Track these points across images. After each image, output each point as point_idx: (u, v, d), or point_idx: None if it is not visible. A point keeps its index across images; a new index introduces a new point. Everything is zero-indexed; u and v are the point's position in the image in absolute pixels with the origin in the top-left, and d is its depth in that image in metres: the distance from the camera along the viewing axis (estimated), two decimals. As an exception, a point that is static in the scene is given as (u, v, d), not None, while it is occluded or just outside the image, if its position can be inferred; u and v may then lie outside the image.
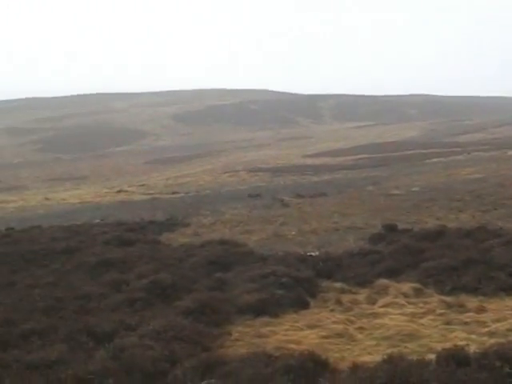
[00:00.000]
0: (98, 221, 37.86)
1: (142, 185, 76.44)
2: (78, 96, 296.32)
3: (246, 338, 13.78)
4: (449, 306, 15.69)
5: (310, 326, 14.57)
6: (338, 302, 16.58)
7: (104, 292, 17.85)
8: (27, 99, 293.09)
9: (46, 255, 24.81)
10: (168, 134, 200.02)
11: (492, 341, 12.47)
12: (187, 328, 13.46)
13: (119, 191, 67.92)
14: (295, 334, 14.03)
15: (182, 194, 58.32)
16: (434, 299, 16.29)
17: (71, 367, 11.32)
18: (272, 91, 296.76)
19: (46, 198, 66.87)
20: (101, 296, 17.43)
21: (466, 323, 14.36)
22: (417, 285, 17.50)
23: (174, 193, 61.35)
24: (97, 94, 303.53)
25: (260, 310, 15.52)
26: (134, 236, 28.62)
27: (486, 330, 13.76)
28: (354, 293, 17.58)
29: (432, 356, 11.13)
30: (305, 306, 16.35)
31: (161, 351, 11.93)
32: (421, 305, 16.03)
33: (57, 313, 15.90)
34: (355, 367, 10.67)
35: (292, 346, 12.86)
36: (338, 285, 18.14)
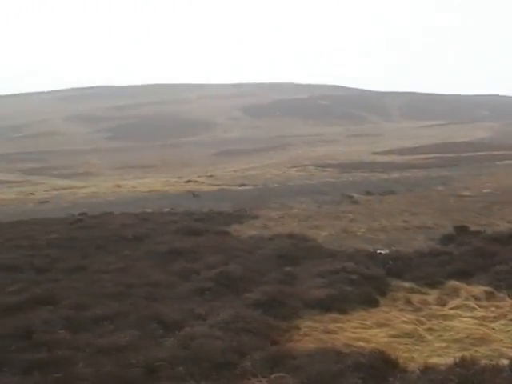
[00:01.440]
0: (167, 210, 38.27)
1: (210, 176, 77.02)
2: (151, 86, 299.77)
3: (314, 333, 13.69)
4: (522, 311, 15.32)
5: (379, 325, 14.40)
6: (408, 302, 16.36)
7: (173, 280, 17.99)
8: (101, 87, 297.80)
9: (116, 241, 25.17)
10: (236, 126, 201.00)
11: None
12: (256, 320, 13.45)
13: (188, 181, 68.62)
14: (364, 331, 13.87)
15: (250, 187, 58.54)
16: (507, 304, 15.86)
17: (141, 353, 11.45)
18: (342, 87, 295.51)
19: (117, 185, 68.01)
20: (170, 284, 17.58)
21: (540, 329, 13.99)
22: (488, 288, 17.08)
23: (241, 185, 61.69)
24: (168, 84, 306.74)
25: (329, 305, 15.41)
26: (203, 226, 28.80)
27: (561, 337, 13.42)
28: (424, 293, 17.30)
29: (505, 362, 10.91)
30: (374, 304, 16.19)
31: (230, 342, 11.96)
32: (492, 309, 15.63)
33: (127, 299, 16.06)
34: (426, 368, 10.53)
35: (361, 343, 12.71)
36: (408, 284, 17.88)
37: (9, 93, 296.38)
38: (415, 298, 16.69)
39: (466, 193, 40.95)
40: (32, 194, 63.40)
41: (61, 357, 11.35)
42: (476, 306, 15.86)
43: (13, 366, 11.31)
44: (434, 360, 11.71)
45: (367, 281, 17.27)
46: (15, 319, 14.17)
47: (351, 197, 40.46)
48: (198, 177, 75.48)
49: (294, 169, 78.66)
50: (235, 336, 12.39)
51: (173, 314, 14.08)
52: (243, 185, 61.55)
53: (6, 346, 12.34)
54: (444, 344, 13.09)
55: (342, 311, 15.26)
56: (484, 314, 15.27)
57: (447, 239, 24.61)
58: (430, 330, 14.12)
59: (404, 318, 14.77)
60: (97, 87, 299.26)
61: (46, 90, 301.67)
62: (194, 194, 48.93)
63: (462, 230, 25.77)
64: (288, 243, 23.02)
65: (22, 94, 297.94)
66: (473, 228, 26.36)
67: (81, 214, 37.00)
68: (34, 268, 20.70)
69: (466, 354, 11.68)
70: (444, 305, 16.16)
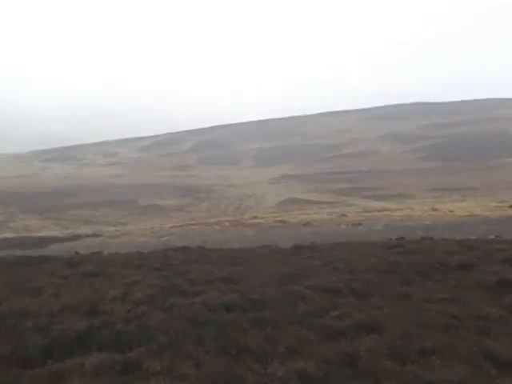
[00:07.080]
0: (492, 236, 36.71)
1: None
2: (471, 102, 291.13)
3: None
4: None
5: None
6: None
7: (504, 315, 17.03)
8: (418, 104, 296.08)
9: (437, 269, 24.45)
10: None
11: None
12: None
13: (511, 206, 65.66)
14: None
15: None
16: None
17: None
18: None
19: (433, 209, 67.04)
20: (501, 319, 16.62)
21: None
22: None
23: None
24: (486, 99, 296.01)
25: None
26: (532, 256, 27.08)
27: None
28: None
29: None
30: None
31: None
32: None
33: (455, 331, 15.46)
34: None
35: None
36: None
37: (329, 110, 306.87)
38: None
39: None
40: (344, 215, 64.71)
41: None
42: None
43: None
44: None
45: None
46: (339, 345, 14.25)
47: None
48: (524, 203, 72.04)
49: None
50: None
51: (507, 353, 13.26)
52: None
53: (332, 372, 12.46)
54: None
55: None
56: None
57: None
58: None
59: None
60: (413, 104, 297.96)
61: (365, 107, 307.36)
62: None
63: None
64: None
65: (339, 111, 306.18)
66: None
67: (398, 239, 36.81)
68: (354, 293, 20.66)
69: None
70: None
